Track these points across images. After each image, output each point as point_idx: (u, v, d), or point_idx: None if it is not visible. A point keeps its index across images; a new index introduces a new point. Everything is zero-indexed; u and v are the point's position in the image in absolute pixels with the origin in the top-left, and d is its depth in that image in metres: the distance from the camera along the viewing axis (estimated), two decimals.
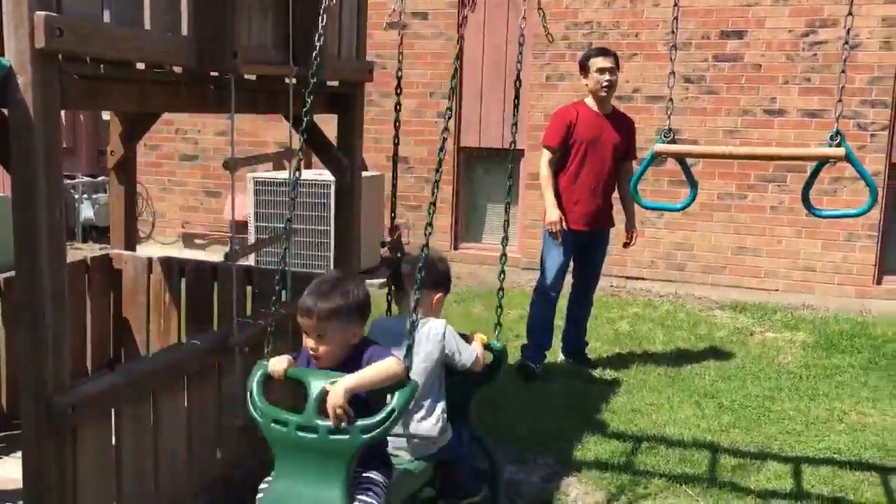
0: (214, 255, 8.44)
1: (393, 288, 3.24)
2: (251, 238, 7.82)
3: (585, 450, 4.10)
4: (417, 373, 2.72)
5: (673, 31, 2.84)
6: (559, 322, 5.47)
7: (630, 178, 5.38)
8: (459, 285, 7.67)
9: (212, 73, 3.03)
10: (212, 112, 3.31)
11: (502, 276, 3.30)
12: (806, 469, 3.92)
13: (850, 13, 2.61)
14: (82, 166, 9.57)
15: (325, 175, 7.51)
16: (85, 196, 9.32)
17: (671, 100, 2.87)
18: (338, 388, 2.37)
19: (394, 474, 2.69)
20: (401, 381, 2.43)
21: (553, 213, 5.06)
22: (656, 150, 2.62)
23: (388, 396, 2.41)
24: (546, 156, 5.17)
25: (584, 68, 5.18)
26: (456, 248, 8.62)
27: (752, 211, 7.61)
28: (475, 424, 3.32)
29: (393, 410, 2.38)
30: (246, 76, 3.29)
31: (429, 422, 2.95)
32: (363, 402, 2.44)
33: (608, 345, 5.93)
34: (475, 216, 8.72)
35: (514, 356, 5.32)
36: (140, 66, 2.82)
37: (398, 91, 3.63)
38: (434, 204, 2.61)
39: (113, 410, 2.74)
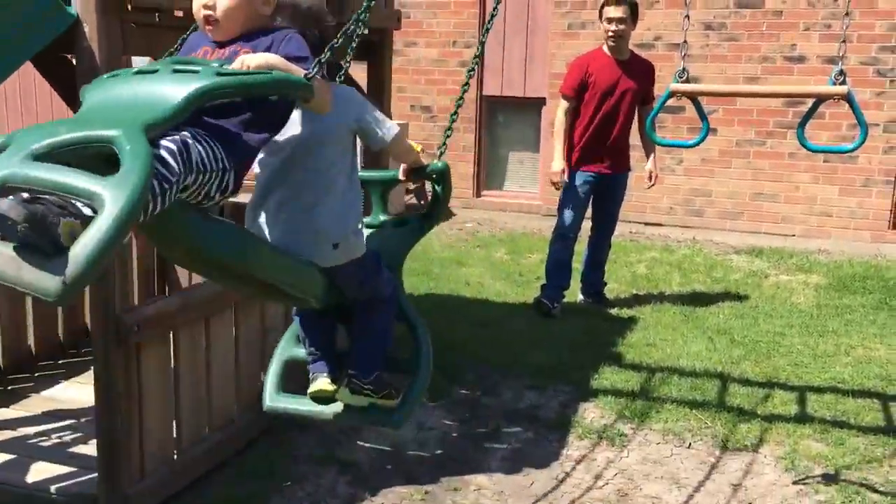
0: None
1: None
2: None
3: (601, 379, 4.36)
4: (324, 120, 2.12)
5: None
6: (577, 265, 5.70)
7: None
8: (482, 231, 7.91)
9: None
10: None
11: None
12: (811, 397, 4.16)
13: None
14: None
15: None
16: None
17: (685, 41, 3.05)
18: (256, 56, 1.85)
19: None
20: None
21: (557, 164, 5.27)
22: (671, 88, 2.81)
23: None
24: (563, 105, 5.35)
25: (600, 15, 5.34)
26: (478, 195, 8.83)
27: (771, 157, 7.75)
28: (402, 291, 2.64)
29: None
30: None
31: (333, 207, 2.15)
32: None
33: (626, 286, 6.16)
34: (497, 164, 8.90)
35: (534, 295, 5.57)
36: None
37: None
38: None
39: (171, 331, 3.02)
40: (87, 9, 2.51)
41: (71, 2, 2.55)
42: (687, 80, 2.85)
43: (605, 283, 5.86)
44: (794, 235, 7.73)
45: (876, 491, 3.32)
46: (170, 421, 3.07)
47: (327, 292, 2.27)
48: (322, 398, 2.40)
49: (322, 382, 2.38)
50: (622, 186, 5.63)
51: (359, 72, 4.58)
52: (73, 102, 2.64)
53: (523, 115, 8.67)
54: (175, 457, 3.12)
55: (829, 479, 3.41)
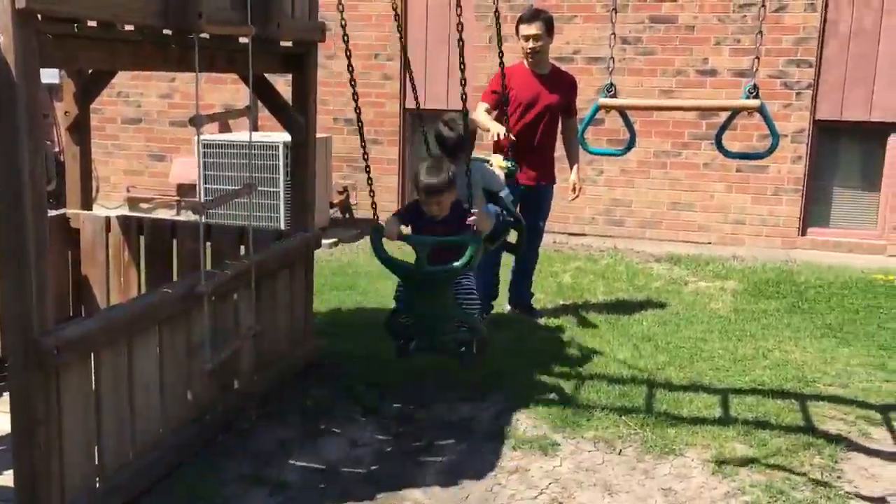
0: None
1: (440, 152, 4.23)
2: (201, 200, 7.87)
3: (532, 389, 4.39)
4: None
5: None
6: (504, 276, 5.74)
7: (574, 134, 5.67)
8: (408, 245, 7.88)
9: (177, 33, 3.16)
10: (175, 70, 3.44)
11: None
12: (733, 399, 4.28)
13: None
14: None
15: (272, 137, 7.62)
16: None
17: (612, 58, 3.12)
18: (485, 222, 3.71)
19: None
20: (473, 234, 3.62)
21: (495, 127, 5.07)
22: (600, 103, 2.86)
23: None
24: (480, 105, 5.32)
25: (516, 32, 5.40)
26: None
27: (686, 168, 7.98)
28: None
29: (471, 258, 3.59)
30: (206, 36, 3.41)
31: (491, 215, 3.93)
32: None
33: (552, 296, 6.23)
34: None
35: None
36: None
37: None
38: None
39: (92, 353, 2.90)
40: (2, 19, 2.40)
41: None
42: (614, 95, 2.91)
43: (533, 294, 5.92)
44: (709, 243, 7.97)
45: (800, 489, 3.42)
46: (92, 448, 2.95)
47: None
48: None
49: None
50: (548, 198, 5.70)
51: (282, 84, 4.53)
52: None
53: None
54: (97, 484, 2.99)
55: (755, 480, 3.50)
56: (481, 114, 5.32)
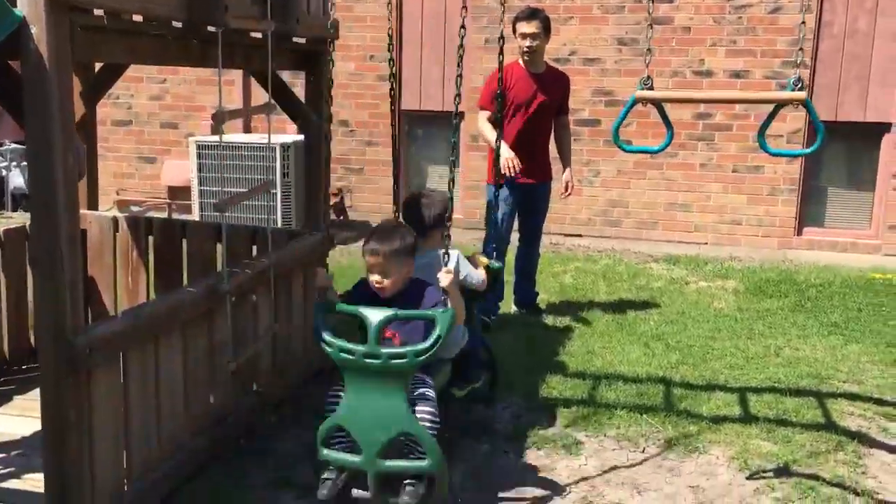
0: None
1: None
2: (195, 202, 7.78)
3: (549, 388, 4.36)
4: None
5: None
6: (508, 277, 5.71)
7: (568, 132, 5.67)
8: None
9: (202, 27, 3.10)
10: (196, 66, 3.38)
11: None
12: (751, 397, 4.28)
13: None
14: (9, 132, 9.28)
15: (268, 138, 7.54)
16: (14, 163, 9.07)
17: (649, 49, 3.11)
18: (448, 278, 2.92)
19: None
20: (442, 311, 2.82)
21: (505, 151, 5.06)
22: (637, 96, 2.84)
23: (433, 324, 2.78)
24: (482, 114, 5.34)
25: (514, 30, 5.39)
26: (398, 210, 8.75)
27: (683, 168, 8.00)
28: (475, 325, 3.91)
29: (439, 337, 2.74)
30: (226, 31, 3.36)
31: (457, 333, 3.40)
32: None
33: (555, 296, 6.21)
34: (417, 178, 8.86)
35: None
36: (136, 18, 2.88)
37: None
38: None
39: (121, 354, 2.83)
40: (35, 9, 2.34)
41: (16, 3, 2.37)
42: (651, 87, 2.89)
43: (537, 293, 5.90)
44: (706, 243, 8.00)
45: (828, 484, 3.42)
46: (120, 451, 2.88)
47: None
48: None
49: None
50: (545, 196, 5.69)
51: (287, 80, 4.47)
52: (19, 113, 2.46)
53: (442, 130, 8.66)
54: (126, 488, 2.92)
55: (782, 476, 3.50)
56: (485, 125, 5.29)
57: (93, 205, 4.62)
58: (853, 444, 3.78)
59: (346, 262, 7.15)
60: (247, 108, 4.87)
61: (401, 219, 3.67)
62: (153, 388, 3.02)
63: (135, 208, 9.35)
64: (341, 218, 8.66)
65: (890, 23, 7.45)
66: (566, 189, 5.63)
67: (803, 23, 3.06)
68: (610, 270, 7.03)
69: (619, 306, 5.97)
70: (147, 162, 9.35)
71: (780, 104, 3.03)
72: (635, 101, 2.86)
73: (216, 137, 8.00)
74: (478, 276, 3.65)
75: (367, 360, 2.72)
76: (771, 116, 3.08)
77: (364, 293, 3.08)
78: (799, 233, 7.91)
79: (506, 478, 3.48)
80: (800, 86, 2.91)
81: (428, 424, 2.84)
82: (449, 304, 2.86)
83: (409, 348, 2.74)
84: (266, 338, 3.75)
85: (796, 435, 3.84)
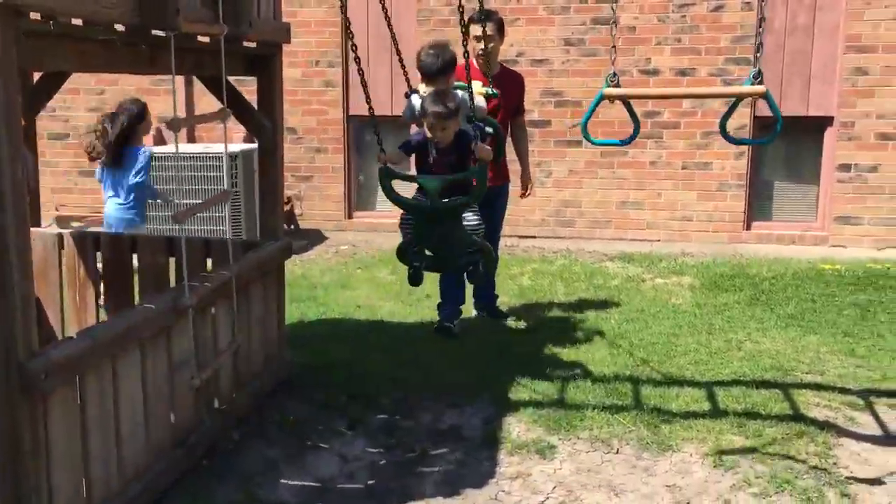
0: None
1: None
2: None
3: (518, 392, 4.30)
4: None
5: None
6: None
7: (524, 133, 5.64)
8: (360, 253, 7.74)
9: (153, 32, 2.96)
10: (145, 72, 3.24)
11: None
12: (718, 392, 4.28)
13: None
14: None
15: (214, 148, 7.35)
16: None
17: (614, 46, 3.07)
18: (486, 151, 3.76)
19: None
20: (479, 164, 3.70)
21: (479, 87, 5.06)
22: (604, 93, 2.80)
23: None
24: None
25: (466, 32, 5.31)
26: (350, 216, 8.65)
27: (634, 166, 8.05)
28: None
29: (479, 190, 3.67)
30: (178, 35, 3.22)
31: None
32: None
33: (515, 298, 6.17)
34: (367, 184, 8.75)
35: (429, 315, 5.48)
36: (78, 22, 2.73)
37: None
38: None
39: (77, 377, 2.68)
40: None
41: None
42: (617, 84, 2.86)
43: (497, 296, 5.84)
44: (658, 241, 8.05)
45: (802, 478, 3.43)
46: (80, 479, 2.72)
47: None
48: None
49: None
50: (503, 197, 5.63)
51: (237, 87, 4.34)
52: None
53: (392, 134, 8.55)
54: None
55: (758, 470, 3.49)
56: None
57: (35, 221, 4.41)
58: (823, 434, 3.80)
59: (300, 271, 7.01)
60: (202, 114, 4.71)
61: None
62: (112, 411, 2.87)
63: (75, 224, 9.03)
64: (291, 227, 8.50)
65: (829, 18, 7.61)
66: (525, 189, 5.59)
67: (762, 18, 3.05)
68: (566, 270, 7.02)
69: (579, 306, 5.95)
70: (86, 176, 9.04)
71: (740, 98, 3.01)
72: (602, 98, 2.82)
73: (165, 148, 7.78)
74: (482, 104, 4.26)
75: (432, 209, 3.74)
76: (731, 109, 3.08)
77: (417, 146, 4.00)
78: (748, 227, 8.03)
79: (480, 486, 3.40)
80: (759, 79, 2.90)
81: (475, 223, 3.94)
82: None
83: (460, 199, 3.72)
84: (229, 352, 3.61)
85: (766, 428, 3.84)
